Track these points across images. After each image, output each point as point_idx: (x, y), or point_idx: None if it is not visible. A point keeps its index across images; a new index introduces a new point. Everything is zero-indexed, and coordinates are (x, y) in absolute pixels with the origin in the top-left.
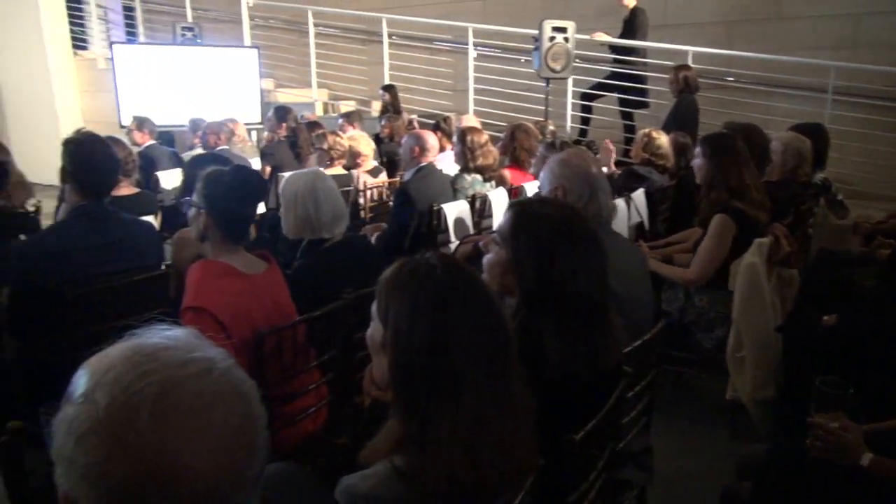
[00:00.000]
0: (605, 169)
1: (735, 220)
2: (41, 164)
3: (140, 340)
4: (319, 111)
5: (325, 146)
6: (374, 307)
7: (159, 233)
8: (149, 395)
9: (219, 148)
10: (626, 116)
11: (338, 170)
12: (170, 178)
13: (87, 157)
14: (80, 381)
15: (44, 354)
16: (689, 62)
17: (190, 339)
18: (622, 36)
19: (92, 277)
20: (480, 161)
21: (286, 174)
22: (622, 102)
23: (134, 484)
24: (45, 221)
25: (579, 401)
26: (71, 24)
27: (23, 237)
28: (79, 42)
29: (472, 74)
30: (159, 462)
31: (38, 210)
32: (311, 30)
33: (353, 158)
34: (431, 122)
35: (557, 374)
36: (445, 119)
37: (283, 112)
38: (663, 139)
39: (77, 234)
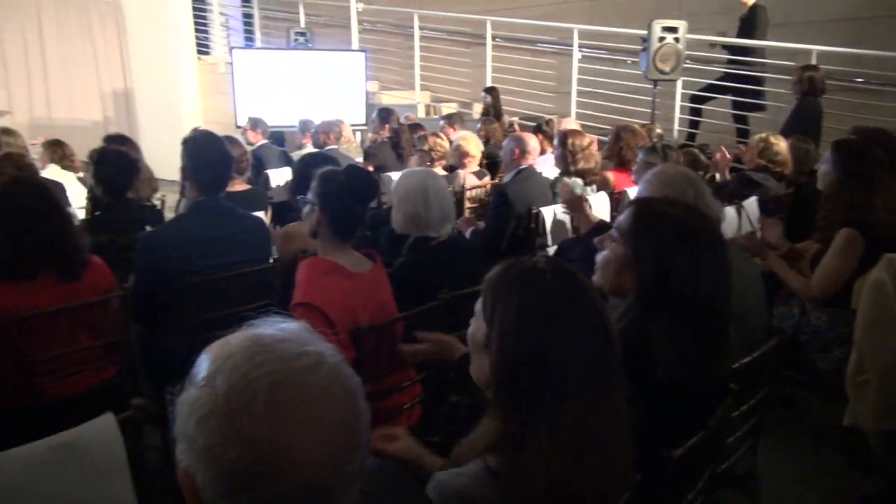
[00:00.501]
0: (717, 176)
1: (863, 235)
2: (165, 161)
3: (258, 331)
4: (421, 113)
5: (426, 147)
6: (478, 306)
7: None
8: (263, 385)
9: (327, 147)
10: (740, 120)
11: (438, 171)
12: (279, 176)
13: (204, 155)
14: (203, 365)
15: (164, 338)
16: (813, 62)
17: (303, 333)
18: (739, 35)
19: (208, 268)
20: (582, 164)
21: (389, 174)
22: (736, 105)
23: (245, 468)
24: (168, 214)
25: (682, 414)
26: (196, 31)
27: (148, 228)
28: (202, 48)
29: (575, 76)
30: (269, 449)
31: (162, 203)
32: (416, 33)
33: (459, 158)
34: (532, 124)
35: (665, 380)
36: (548, 122)
37: (385, 114)
38: (782, 144)
39: (196, 227)
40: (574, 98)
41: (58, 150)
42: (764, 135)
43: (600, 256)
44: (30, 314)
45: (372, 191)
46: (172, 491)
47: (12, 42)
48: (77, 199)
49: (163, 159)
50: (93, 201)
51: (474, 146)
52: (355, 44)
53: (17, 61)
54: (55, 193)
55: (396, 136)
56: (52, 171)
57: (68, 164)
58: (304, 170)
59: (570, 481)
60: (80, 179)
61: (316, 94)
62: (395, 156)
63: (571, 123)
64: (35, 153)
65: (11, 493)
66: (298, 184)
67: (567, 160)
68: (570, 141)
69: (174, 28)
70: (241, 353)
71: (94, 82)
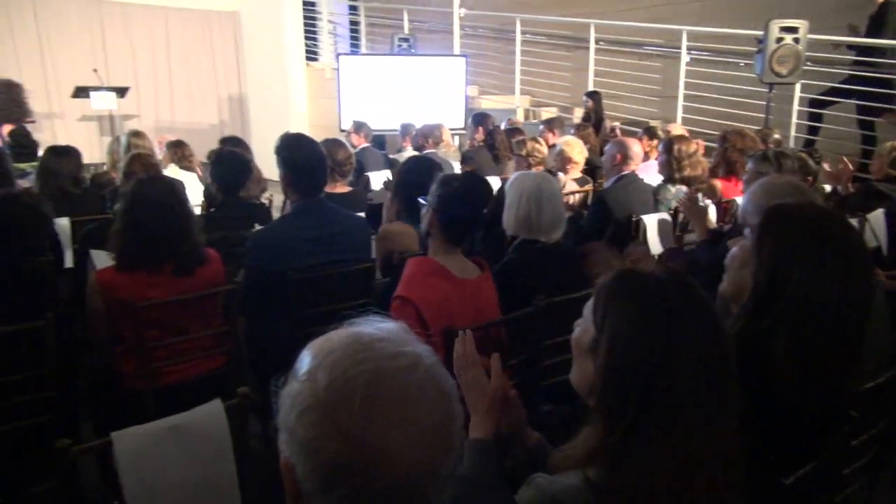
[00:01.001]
0: (839, 188)
1: None
2: (273, 162)
3: (358, 329)
4: (520, 117)
5: (524, 152)
6: (586, 309)
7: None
8: (362, 382)
9: (426, 151)
10: (866, 126)
11: None
12: (380, 179)
13: (299, 159)
14: (305, 360)
15: (268, 331)
16: None
17: (401, 333)
18: (868, 34)
19: (311, 266)
20: (687, 172)
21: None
22: (861, 110)
23: (341, 462)
24: (275, 213)
25: (797, 437)
26: (305, 38)
27: (257, 226)
28: (311, 54)
29: (682, 80)
30: (364, 445)
31: (269, 203)
32: (518, 37)
33: (562, 163)
34: (635, 129)
35: (782, 397)
36: (652, 128)
37: (480, 118)
38: None
39: (300, 227)
40: (681, 102)
41: (178, 151)
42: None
43: (730, 253)
44: (151, 303)
45: (486, 199)
46: (272, 480)
47: (143, 52)
48: (195, 197)
49: (271, 160)
50: (208, 199)
51: (578, 152)
52: (457, 49)
53: (146, 69)
54: (181, 192)
55: (492, 139)
56: (172, 171)
57: (187, 164)
58: (404, 173)
59: (673, 498)
60: (198, 178)
61: (417, 98)
62: (491, 158)
63: (678, 129)
64: (159, 153)
65: (129, 467)
66: (400, 186)
67: (672, 167)
68: (675, 147)
69: (286, 36)
70: (341, 350)
71: (212, 88)
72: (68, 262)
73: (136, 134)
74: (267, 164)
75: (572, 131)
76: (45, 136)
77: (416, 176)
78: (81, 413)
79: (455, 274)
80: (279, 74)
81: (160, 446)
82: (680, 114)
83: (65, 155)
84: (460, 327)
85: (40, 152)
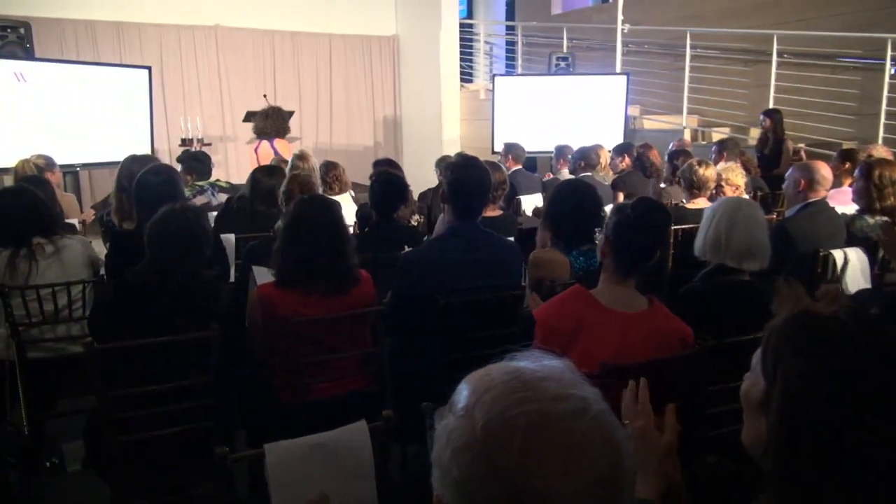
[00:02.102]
0: None
1: None
2: (424, 184)
3: (520, 365)
4: (687, 138)
5: (692, 177)
6: (755, 358)
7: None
8: (522, 424)
9: (582, 175)
10: None
11: (701, 202)
12: (532, 203)
13: (465, 181)
14: (463, 394)
15: (412, 354)
16: None
17: (566, 374)
18: None
19: (460, 290)
20: (891, 201)
21: None
22: None
23: None
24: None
25: None
26: (461, 59)
27: (406, 248)
28: (465, 75)
29: (885, 95)
30: (523, 493)
31: (419, 224)
32: (688, 52)
33: (722, 189)
34: (825, 152)
35: None
36: (850, 150)
37: (624, 147)
38: None
39: (450, 250)
40: (882, 121)
41: (331, 172)
42: None
43: None
44: (305, 320)
45: (663, 227)
46: None
47: (307, 77)
48: (348, 217)
49: (423, 181)
50: (361, 220)
51: (736, 176)
52: (618, 66)
53: (309, 93)
54: (338, 212)
55: (641, 162)
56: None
57: (340, 186)
58: (556, 198)
59: None
60: (351, 199)
61: (574, 119)
62: (645, 182)
63: (880, 151)
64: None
65: (279, 479)
66: (549, 212)
67: (871, 195)
68: (876, 172)
69: (443, 58)
70: (500, 388)
71: (368, 110)
72: (233, 276)
73: (301, 156)
74: (418, 187)
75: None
76: (220, 157)
77: (568, 201)
78: (236, 421)
79: (604, 304)
80: (434, 96)
81: (307, 461)
82: (882, 133)
83: (272, 173)
84: (602, 361)
85: (215, 172)
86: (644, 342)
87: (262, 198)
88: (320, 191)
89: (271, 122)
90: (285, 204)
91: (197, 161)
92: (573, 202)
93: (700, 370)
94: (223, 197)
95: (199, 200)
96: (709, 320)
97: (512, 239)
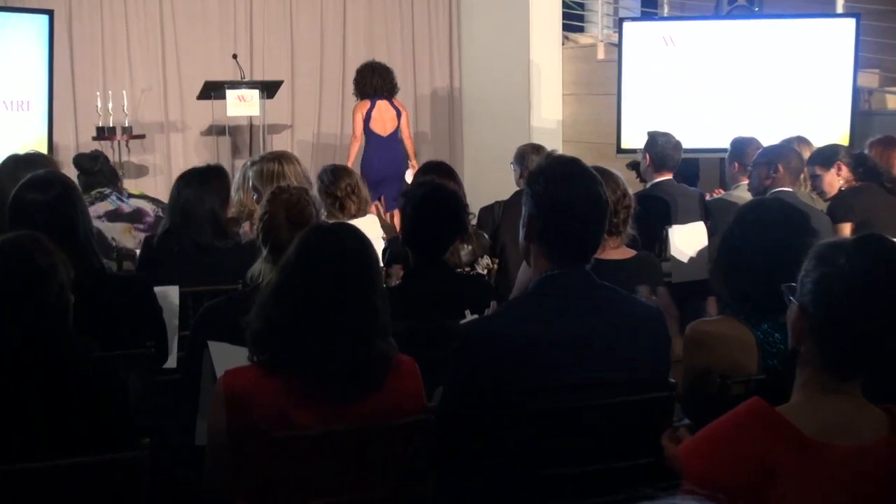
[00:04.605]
0: None
1: None
2: (495, 197)
3: None
4: None
5: None
6: None
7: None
8: None
9: (774, 190)
10: None
11: None
12: (686, 237)
13: (557, 197)
14: None
15: (479, 495)
16: None
17: None
18: None
19: (558, 387)
20: None
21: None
22: None
23: None
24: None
25: None
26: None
27: (469, 315)
28: (571, 23)
29: None
30: None
31: (489, 271)
32: None
33: None
34: None
35: None
36: None
37: (825, 155)
38: None
39: (543, 317)
40: None
41: (342, 182)
42: None
43: None
44: (300, 434)
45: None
46: None
47: (305, 30)
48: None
49: (493, 197)
50: (389, 263)
51: None
52: (839, 5)
53: (307, 56)
54: (370, 250)
55: (873, 171)
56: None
57: (358, 202)
58: (730, 233)
59: None
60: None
61: (763, 94)
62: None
63: None
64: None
65: None
66: (720, 256)
67: None
68: None
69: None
70: None
71: (406, 83)
72: (172, 358)
73: (277, 158)
74: (482, 198)
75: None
76: (156, 157)
77: (757, 237)
78: None
79: (807, 433)
80: (517, 57)
81: None
82: None
83: (209, 180)
84: None
85: (151, 181)
86: (887, 497)
87: (197, 224)
88: (322, 216)
89: (379, 78)
90: (263, 238)
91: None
92: (768, 239)
93: None
94: (142, 205)
95: (102, 208)
96: None
97: (661, 296)
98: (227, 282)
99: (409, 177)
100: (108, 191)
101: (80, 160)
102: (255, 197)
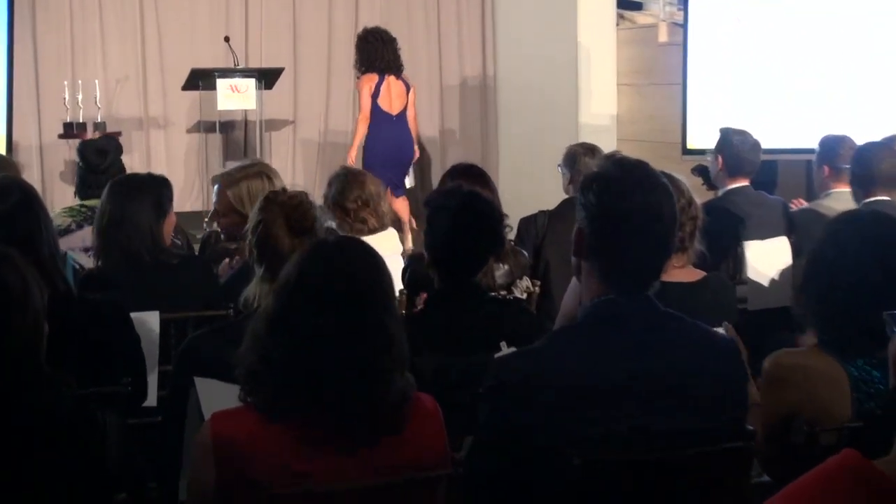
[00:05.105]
0: None
1: None
2: (536, 206)
3: None
4: None
5: None
6: None
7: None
8: None
9: (870, 199)
10: None
11: None
12: (765, 253)
13: (625, 211)
14: None
15: None
16: None
17: None
18: None
19: (619, 437)
20: None
21: None
22: None
23: None
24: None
25: None
26: None
27: (505, 348)
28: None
29: None
30: None
31: (530, 295)
32: None
33: None
34: None
35: None
36: None
37: None
38: None
39: (596, 354)
40: None
41: (355, 191)
42: None
43: None
44: (304, 491)
45: None
46: None
47: (310, 7)
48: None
49: (534, 206)
50: (410, 286)
51: None
52: None
53: (312, 39)
54: (385, 273)
55: None
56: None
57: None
58: (821, 255)
59: None
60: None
61: (861, 82)
62: None
63: None
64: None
65: None
66: (806, 281)
67: None
68: None
69: None
70: None
71: (432, 71)
72: (152, 395)
73: (261, 174)
74: (521, 208)
75: None
76: (133, 159)
77: (852, 257)
78: None
79: None
80: (562, 40)
81: None
82: None
83: (141, 192)
84: None
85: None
86: None
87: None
88: (331, 224)
89: (391, 52)
90: (258, 254)
91: (96, 166)
92: (864, 259)
93: None
94: None
95: (91, 235)
96: None
97: (727, 330)
98: (184, 302)
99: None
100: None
101: (86, 150)
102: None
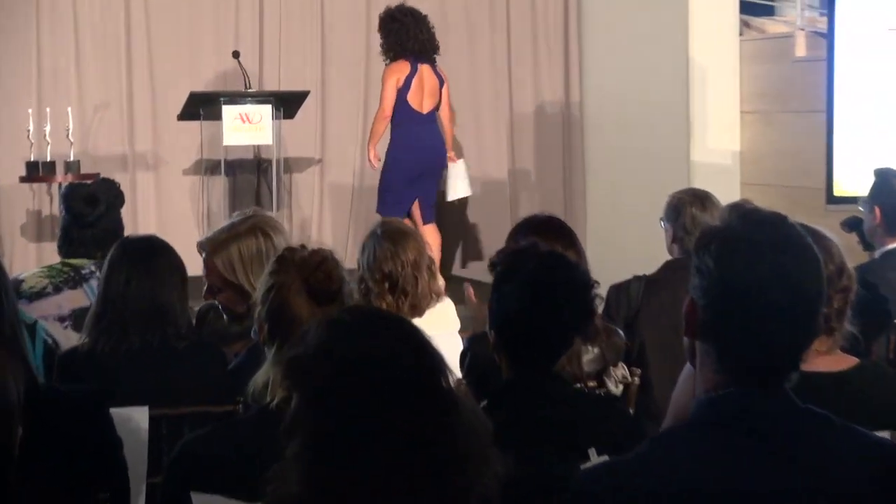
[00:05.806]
0: None
1: None
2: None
3: None
4: None
5: None
6: None
7: None
8: None
9: None
10: None
11: None
12: None
13: (753, 284)
14: None
15: None
16: None
17: None
18: None
19: None
20: None
21: None
22: None
23: None
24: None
25: None
26: None
27: (595, 455)
28: (753, 7)
29: None
30: None
31: (627, 387)
32: None
33: None
34: None
35: None
36: None
37: None
38: None
39: (710, 465)
40: None
41: (400, 256)
42: None
43: None
44: None
45: None
46: None
47: (342, 16)
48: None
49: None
50: (471, 375)
51: None
52: None
53: (345, 54)
54: (439, 361)
55: None
56: None
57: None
58: None
59: None
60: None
61: None
62: None
63: None
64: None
65: None
66: None
67: None
68: None
69: None
70: None
71: (500, 96)
72: None
73: (255, 229)
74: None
75: None
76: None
77: None
78: None
79: None
80: (667, 55)
81: None
82: None
83: (169, 258)
84: None
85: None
86: None
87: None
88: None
89: (425, 31)
90: (270, 330)
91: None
92: None
93: None
94: None
95: (72, 302)
96: None
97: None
98: (185, 397)
99: (456, 174)
100: (92, 266)
101: (72, 197)
102: None
